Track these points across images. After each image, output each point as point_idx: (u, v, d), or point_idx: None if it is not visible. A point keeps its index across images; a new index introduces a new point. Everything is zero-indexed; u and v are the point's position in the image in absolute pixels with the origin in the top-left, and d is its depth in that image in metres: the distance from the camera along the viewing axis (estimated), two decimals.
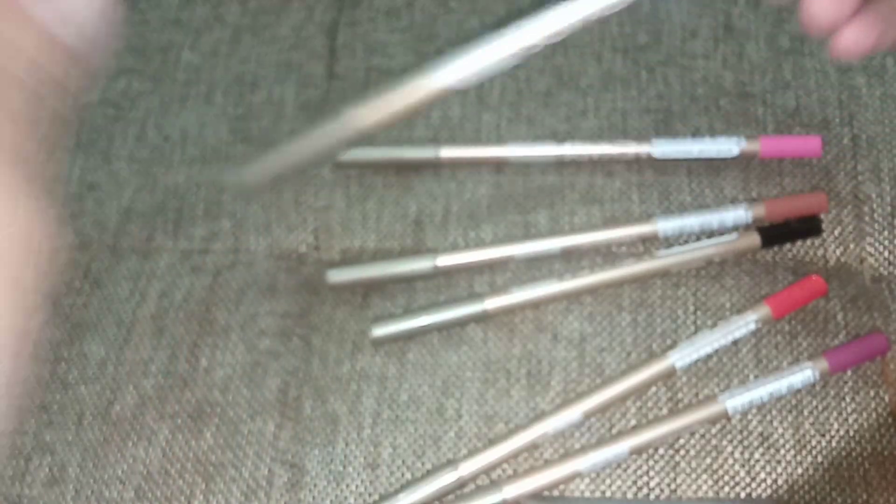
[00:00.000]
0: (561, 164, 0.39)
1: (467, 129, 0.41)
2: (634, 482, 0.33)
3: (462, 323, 0.36)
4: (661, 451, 0.33)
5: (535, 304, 0.36)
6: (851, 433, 0.33)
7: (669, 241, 0.37)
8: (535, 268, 0.37)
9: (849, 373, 0.34)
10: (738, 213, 0.36)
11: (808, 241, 0.37)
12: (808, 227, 0.37)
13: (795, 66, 0.40)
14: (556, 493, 0.33)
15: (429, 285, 0.37)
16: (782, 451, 0.33)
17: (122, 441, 0.35)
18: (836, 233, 0.37)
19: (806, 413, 0.33)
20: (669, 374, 0.34)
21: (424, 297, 0.37)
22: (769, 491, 0.32)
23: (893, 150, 0.38)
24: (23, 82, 0.19)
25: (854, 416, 0.33)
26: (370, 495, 0.33)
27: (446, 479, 0.33)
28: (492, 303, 0.36)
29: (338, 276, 0.37)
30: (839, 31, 0.24)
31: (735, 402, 0.33)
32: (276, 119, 0.42)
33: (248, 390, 0.36)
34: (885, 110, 0.39)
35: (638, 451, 0.33)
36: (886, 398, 0.33)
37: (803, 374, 0.33)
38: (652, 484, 0.33)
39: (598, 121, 0.40)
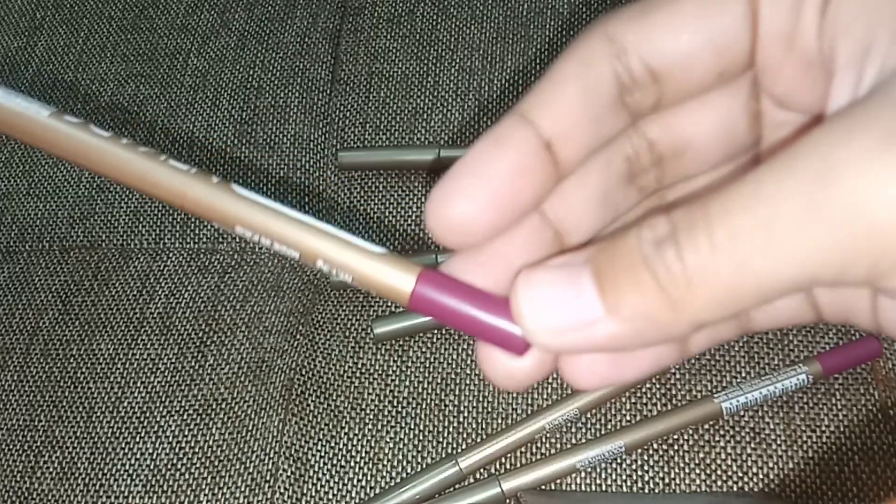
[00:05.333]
0: None
1: (467, 132, 0.41)
2: (629, 475, 0.33)
3: None
4: (655, 445, 0.33)
5: None
6: (842, 429, 0.33)
7: None
8: None
9: None
10: None
11: None
12: None
13: None
14: (552, 486, 0.33)
15: None
16: (773, 446, 0.33)
17: (131, 436, 0.35)
18: None
19: (797, 409, 0.33)
20: (663, 371, 0.35)
21: None
22: (760, 485, 0.32)
23: None
24: None
25: (844, 412, 0.33)
26: (372, 488, 0.34)
27: (446, 472, 0.33)
28: None
29: None
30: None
31: (730, 403, 0.33)
32: (280, 123, 0.43)
33: (253, 387, 0.36)
34: None
35: (634, 448, 0.33)
36: (876, 395, 0.33)
37: (798, 379, 0.33)
38: (646, 477, 0.33)
39: None
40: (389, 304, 0.37)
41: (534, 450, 0.34)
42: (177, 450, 0.35)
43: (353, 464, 0.34)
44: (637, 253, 0.14)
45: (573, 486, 0.33)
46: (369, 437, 0.35)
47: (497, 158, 0.16)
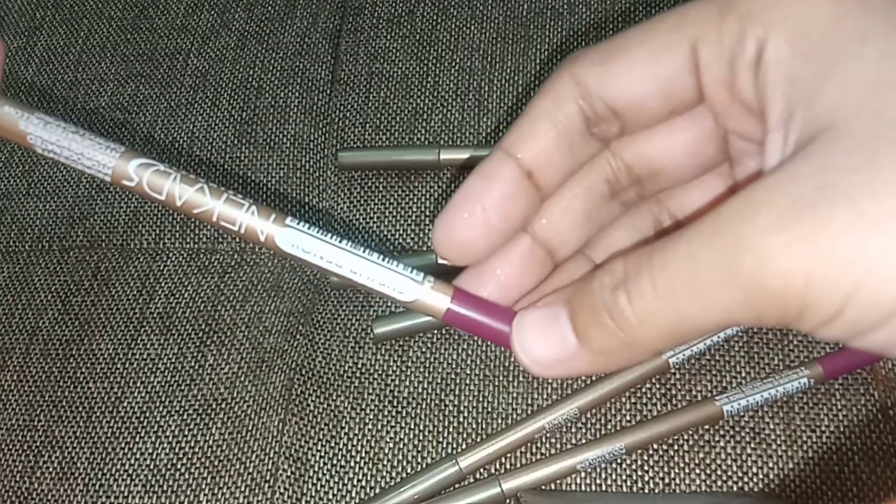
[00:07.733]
0: None
1: (467, 133, 0.41)
2: (629, 475, 0.33)
3: None
4: (655, 445, 0.33)
5: None
6: (841, 429, 0.33)
7: None
8: None
9: None
10: None
11: None
12: None
13: None
14: (552, 486, 0.33)
15: None
16: (773, 447, 0.33)
17: (131, 436, 0.35)
18: None
19: (797, 409, 0.33)
20: (663, 371, 0.34)
21: None
22: (760, 485, 0.32)
23: None
24: None
25: (844, 412, 0.33)
26: (372, 488, 0.34)
27: (446, 472, 0.33)
28: None
29: None
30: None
31: (731, 406, 0.33)
32: (280, 123, 0.43)
33: (253, 387, 0.36)
34: None
35: (634, 450, 0.33)
36: (876, 395, 0.33)
37: (799, 382, 0.33)
38: (646, 478, 0.33)
39: None
40: (389, 303, 0.38)
41: (534, 450, 0.34)
42: (177, 450, 0.35)
43: (353, 464, 0.34)
44: (599, 297, 0.17)
45: (573, 487, 0.33)
46: (369, 437, 0.35)
47: (487, 190, 0.19)
